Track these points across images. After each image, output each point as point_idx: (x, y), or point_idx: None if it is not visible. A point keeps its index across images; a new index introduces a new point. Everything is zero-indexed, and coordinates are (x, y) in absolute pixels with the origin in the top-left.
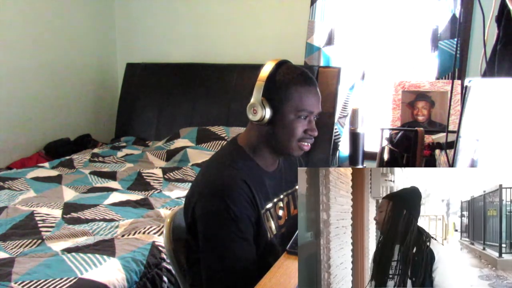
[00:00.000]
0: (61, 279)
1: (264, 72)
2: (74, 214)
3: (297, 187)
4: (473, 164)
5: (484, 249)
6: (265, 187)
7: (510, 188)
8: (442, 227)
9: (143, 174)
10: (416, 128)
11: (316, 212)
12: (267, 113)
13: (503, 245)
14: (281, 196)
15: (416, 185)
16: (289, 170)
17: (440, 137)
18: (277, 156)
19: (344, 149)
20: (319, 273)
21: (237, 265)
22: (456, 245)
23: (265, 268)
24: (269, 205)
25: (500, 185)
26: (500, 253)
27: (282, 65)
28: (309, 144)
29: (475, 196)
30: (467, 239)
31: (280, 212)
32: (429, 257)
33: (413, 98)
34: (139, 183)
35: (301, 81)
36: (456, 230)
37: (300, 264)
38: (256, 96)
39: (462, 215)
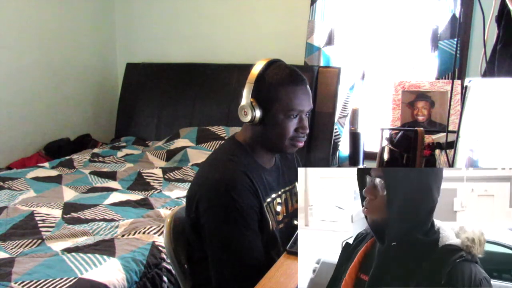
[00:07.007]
0: (61, 279)
1: (253, 74)
2: (74, 214)
3: (296, 184)
4: (472, 164)
5: None
6: (264, 182)
7: None
8: None
9: (143, 174)
10: (416, 128)
11: None
12: (257, 114)
13: None
14: (279, 192)
15: None
16: (286, 169)
17: (440, 137)
18: (272, 154)
19: (344, 149)
20: None
21: (246, 255)
22: None
23: (268, 262)
24: (269, 199)
25: None
26: None
27: (272, 65)
28: (302, 141)
29: None
30: None
31: (278, 208)
32: None
33: (413, 98)
34: (139, 183)
35: (289, 81)
36: None
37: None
38: (246, 97)
39: None
